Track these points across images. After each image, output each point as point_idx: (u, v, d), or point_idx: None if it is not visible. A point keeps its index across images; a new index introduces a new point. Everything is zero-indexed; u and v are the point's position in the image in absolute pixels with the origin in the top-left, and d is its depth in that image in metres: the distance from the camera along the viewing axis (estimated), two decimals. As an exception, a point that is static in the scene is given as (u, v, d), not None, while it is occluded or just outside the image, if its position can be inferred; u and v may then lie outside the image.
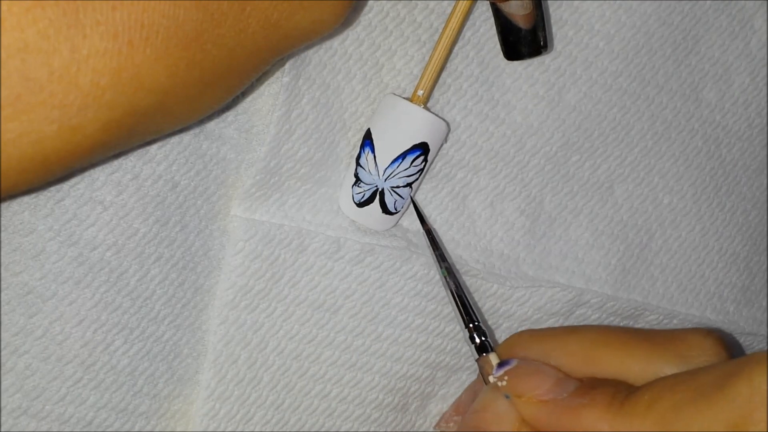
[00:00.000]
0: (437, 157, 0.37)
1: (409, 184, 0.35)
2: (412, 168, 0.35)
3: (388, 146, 0.34)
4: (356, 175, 0.35)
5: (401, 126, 0.34)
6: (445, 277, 0.35)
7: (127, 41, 0.24)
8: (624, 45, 0.40)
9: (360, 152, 0.35)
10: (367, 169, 0.34)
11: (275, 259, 0.35)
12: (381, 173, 0.34)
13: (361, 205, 0.35)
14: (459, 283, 0.35)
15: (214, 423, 0.35)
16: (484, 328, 0.35)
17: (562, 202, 0.39)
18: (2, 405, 0.32)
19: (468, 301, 0.35)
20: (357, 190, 0.35)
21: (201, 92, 0.28)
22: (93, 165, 0.31)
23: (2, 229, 0.31)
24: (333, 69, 0.35)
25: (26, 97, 0.23)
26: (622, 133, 0.40)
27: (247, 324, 0.35)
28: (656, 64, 0.41)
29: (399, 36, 0.36)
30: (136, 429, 0.34)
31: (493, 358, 0.34)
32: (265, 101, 0.34)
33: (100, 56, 0.24)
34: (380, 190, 0.35)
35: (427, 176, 0.37)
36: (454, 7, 0.34)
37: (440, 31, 0.35)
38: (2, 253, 0.31)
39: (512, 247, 0.39)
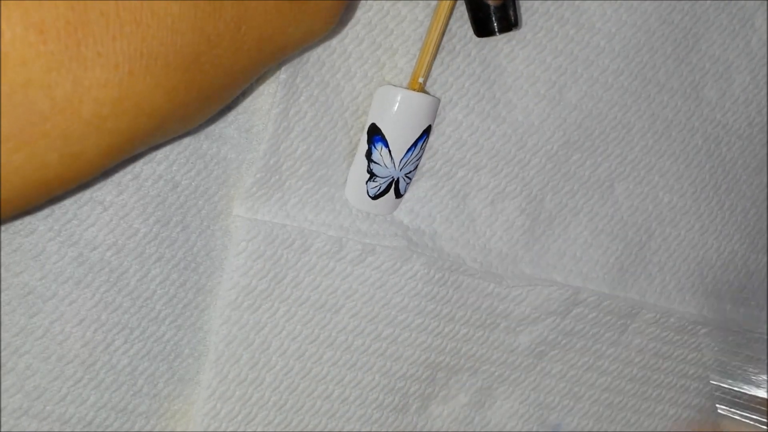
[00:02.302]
0: (437, 156, 0.37)
1: (416, 165, 0.36)
2: (420, 151, 0.35)
3: (400, 138, 0.34)
4: (370, 171, 0.35)
5: (411, 117, 0.34)
6: None
7: (127, 71, 0.24)
8: (625, 44, 0.39)
9: (370, 148, 0.35)
10: (382, 164, 0.35)
11: (278, 259, 0.34)
12: (397, 165, 0.35)
13: (376, 197, 0.35)
14: None
15: (215, 423, 0.35)
16: None
17: (563, 201, 0.39)
18: (3, 405, 0.32)
19: None
20: (372, 185, 0.35)
21: (198, 109, 0.28)
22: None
23: (3, 229, 0.31)
24: (332, 67, 0.34)
25: (29, 129, 0.23)
26: (623, 131, 0.40)
27: (249, 324, 0.35)
28: (657, 62, 0.40)
29: (400, 35, 0.36)
30: (136, 429, 0.34)
31: None
32: (265, 100, 0.34)
33: (102, 87, 0.24)
34: (396, 179, 0.35)
35: (427, 174, 0.37)
36: None
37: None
38: (3, 254, 0.31)
39: (511, 245, 0.39)
